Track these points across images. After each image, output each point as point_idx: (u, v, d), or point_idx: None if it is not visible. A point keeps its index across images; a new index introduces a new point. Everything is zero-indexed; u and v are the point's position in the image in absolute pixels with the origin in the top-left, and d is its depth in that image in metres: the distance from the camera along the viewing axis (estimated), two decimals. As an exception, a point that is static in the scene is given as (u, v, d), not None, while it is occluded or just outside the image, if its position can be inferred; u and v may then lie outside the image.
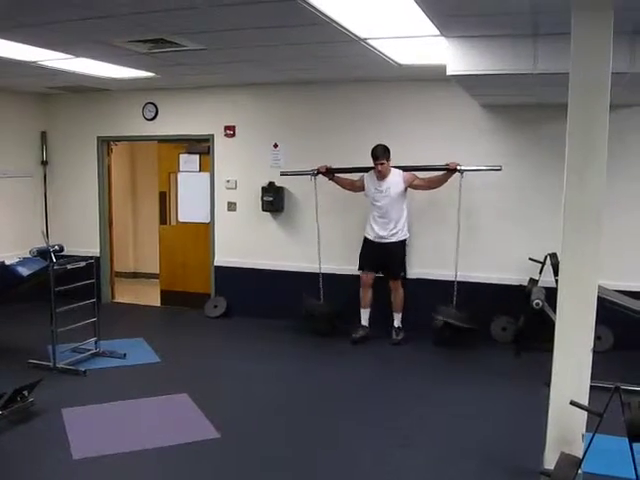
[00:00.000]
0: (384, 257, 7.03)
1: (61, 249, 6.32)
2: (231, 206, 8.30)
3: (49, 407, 5.12)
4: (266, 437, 4.71)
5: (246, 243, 8.19)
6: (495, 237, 7.24)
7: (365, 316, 7.24)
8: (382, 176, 6.86)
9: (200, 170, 8.53)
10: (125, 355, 6.43)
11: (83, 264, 6.33)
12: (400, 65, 6.15)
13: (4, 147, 8.55)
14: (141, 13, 4.41)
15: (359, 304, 7.28)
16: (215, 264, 8.46)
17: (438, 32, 4.59)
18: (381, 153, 6.77)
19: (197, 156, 8.52)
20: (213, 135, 8.27)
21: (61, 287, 6.08)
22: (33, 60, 6.12)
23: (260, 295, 8.08)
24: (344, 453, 4.47)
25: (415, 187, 6.97)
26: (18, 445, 4.54)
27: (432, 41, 4.95)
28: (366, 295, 7.22)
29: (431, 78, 6.81)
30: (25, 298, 7.12)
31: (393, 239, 6.97)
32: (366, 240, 7.13)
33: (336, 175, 7.25)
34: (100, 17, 4.48)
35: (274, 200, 7.87)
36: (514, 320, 6.93)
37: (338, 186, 7.33)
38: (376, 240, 7.01)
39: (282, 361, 6.55)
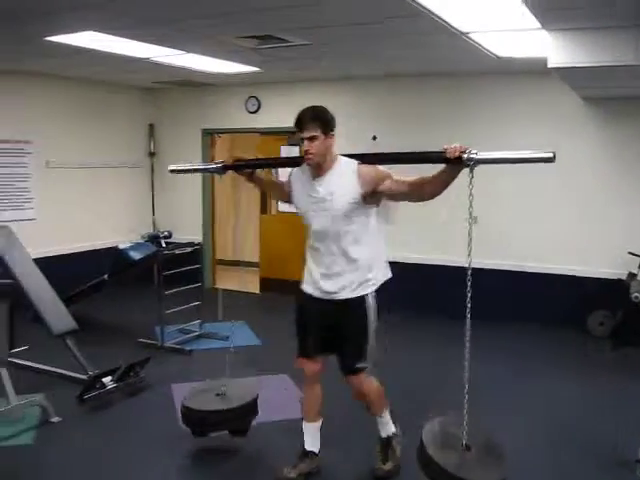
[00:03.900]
0: (333, 327, 3.77)
1: (170, 235, 6.67)
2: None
3: (158, 382, 5.49)
4: (358, 410, 4.89)
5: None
6: (592, 230, 7.15)
7: (311, 435, 4.03)
8: (318, 169, 3.67)
9: (300, 161, 8.71)
10: (227, 337, 6.72)
11: (190, 250, 6.67)
12: (499, 58, 6.17)
13: (116, 139, 9.04)
14: (252, 11, 4.64)
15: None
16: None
17: (539, 25, 4.62)
18: (309, 119, 3.61)
19: (297, 147, 8.74)
20: (313, 127, 8.46)
21: (169, 271, 6.44)
22: (146, 56, 6.48)
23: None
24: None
25: (388, 194, 3.61)
26: (130, 415, 4.93)
27: (532, 34, 4.97)
28: (310, 398, 4.06)
29: (529, 71, 6.80)
30: (135, 281, 7.54)
31: (346, 294, 3.69)
32: (304, 297, 3.90)
33: (255, 172, 4.17)
34: (213, 15, 4.75)
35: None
36: (611, 314, 6.86)
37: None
38: (319, 296, 3.78)
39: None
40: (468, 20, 4.79)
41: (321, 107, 3.76)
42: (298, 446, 3.98)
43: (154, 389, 5.39)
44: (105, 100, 8.92)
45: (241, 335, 6.91)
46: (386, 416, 4.04)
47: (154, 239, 6.57)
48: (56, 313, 5.48)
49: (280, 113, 8.69)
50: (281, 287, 8.89)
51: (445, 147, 3.19)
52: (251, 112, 8.89)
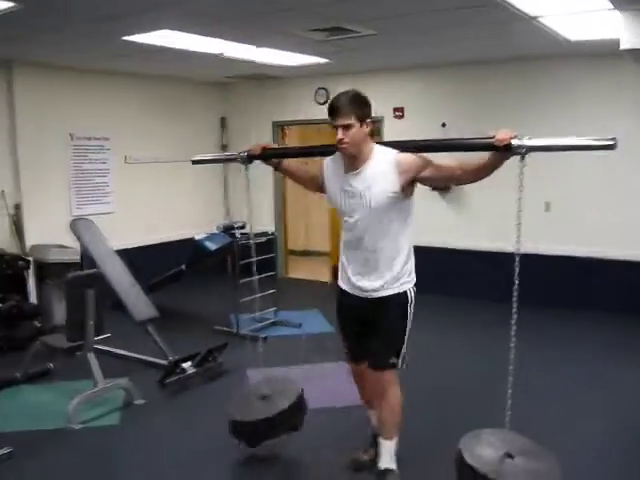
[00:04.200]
0: (369, 323, 3.61)
1: (244, 226, 6.85)
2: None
3: (234, 368, 5.65)
4: (437, 403, 4.96)
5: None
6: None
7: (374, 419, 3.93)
8: (353, 160, 3.42)
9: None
10: (300, 325, 6.87)
11: (264, 239, 6.84)
12: (569, 41, 6.10)
13: (190, 134, 9.29)
14: (320, 4, 4.76)
15: None
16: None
17: (612, 5, 4.57)
18: (345, 104, 3.33)
19: (367, 138, 8.81)
20: (383, 117, 8.54)
21: (244, 261, 6.61)
22: (218, 52, 6.66)
23: (425, 273, 8.25)
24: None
25: (428, 181, 3.41)
26: (208, 399, 5.12)
27: (604, 14, 4.92)
28: (363, 387, 3.94)
29: (600, 53, 6.69)
30: (211, 271, 7.78)
31: (382, 292, 3.52)
32: (341, 293, 3.76)
33: (283, 162, 3.98)
34: (283, 10, 4.88)
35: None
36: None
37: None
38: (354, 293, 3.61)
39: (444, 335, 6.71)
40: (538, 4, 4.77)
41: (357, 92, 3.43)
42: (367, 432, 4.02)
43: (231, 374, 5.58)
44: (178, 96, 9.20)
45: (314, 322, 7.05)
46: (392, 445, 3.67)
47: (229, 230, 6.77)
48: (138, 301, 5.72)
49: (349, 103, 8.80)
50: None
51: (493, 134, 2.95)
52: (320, 103, 8.99)
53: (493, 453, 3.01)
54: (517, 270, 2.91)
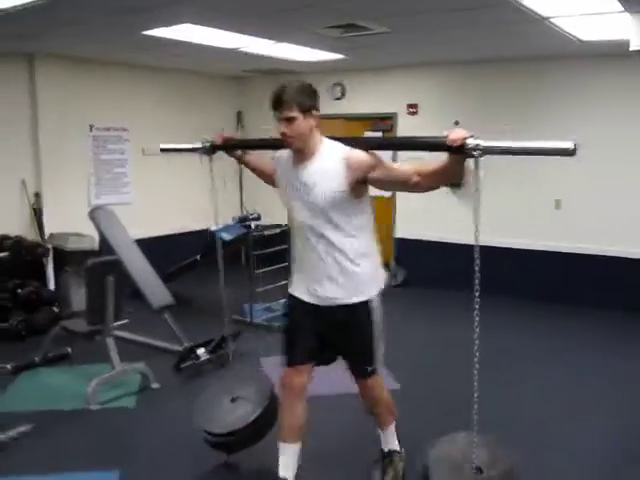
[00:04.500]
0: (330, 333, 3.33)
1: (259, 217, 6.98)
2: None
3: (248, 355, 5.80)
4: (442, 390, 5.08)
5: (426, 217, 8.48)
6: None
7: (287, 458, 3.41)
8: (300, 154, 3.19)
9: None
10: (312, 315, 6.99)
11: (278, 231, 6.97)
12: (581, 41, 6.18)
13: (206, 126, 9.26)
14: (339, 1, 4.89)
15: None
16: (396, 236, 8.87)
17: (622, 8, 4.66)
18: (288, 95, 3.09)
19: (380, 133, 8.92)
20: (396, 113, 8.64)
21: (258, 251, 6.76)
22: (236, 47, 6.78)
23: (437, 267, 8.38)
24: (527, 407, 4.75)
25: (378, 184, 3.15)
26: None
27: (615, 17, 5.00)
28: (290, 415, 3.42)
29: (611, 53, 6.76)
30: (226, 261, 7.89)
31: (345, 299, 3.24)
32: (293, 301, 3.43)
33: (247, 154, 3.95)
34: (305, 5, 5.00)
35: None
36: None
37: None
38: (312, 302, 3.30)
39: (457, 328, 6.81)
40: (550, 5, 4.87)
41: (300, 82, 3.21)
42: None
43: (244, 361, 5.71)
44: (195, 89, 9.35)
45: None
46: (391, 429, 3.75)
47: (244, 221, 6.90)
48: (155, 289, 5.88)
49: (364, 99, 8.90)
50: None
51: (446, 133, 2.68)
52: (336, 98, 9.11)
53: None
54: (478, 261, 2.68)
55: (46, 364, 5.60)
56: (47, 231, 7.39)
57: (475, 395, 2.77)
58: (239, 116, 10.04)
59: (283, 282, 6.92)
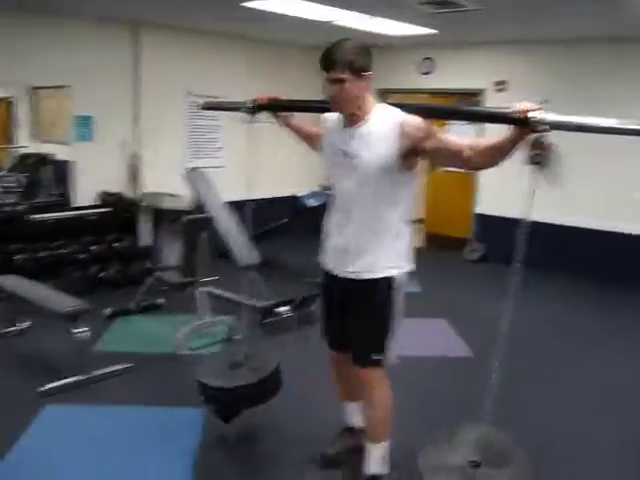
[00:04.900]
0: (346, 311, 3.21)
1: (343, 185, 7.22)
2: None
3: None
4: (516, 360, 5.22)
5: (508, 194, 8.51)
6: None
7: (350, 411, 3.67)
8: (352, 116, 2.99)
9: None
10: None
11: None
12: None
13: (293, 97, 9.64)
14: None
15: None
16: (476, 211, 8.99)
17: None
18: (337, 56, 2.87)
19: (468, 108, 8.97)
20: (484, 89, 8.69)
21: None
22: (330, 20, 6.98)
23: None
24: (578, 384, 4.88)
25: (430, 156, 2.94)
26: (301, 341, 5.53)
27: None
28: (340, 376, 3.56)
29: None
30: (310, 226, 8.17)
31: (363, 275, 3.08)
32: (325, 274, 3.34)
33: (293, 117, 3.79)
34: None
35: (540, 154, 8.06)
36: None
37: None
38: (336, 272, 3.22)
39: (539, 305, 6.90)
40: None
41: (352, 41, 2.94)
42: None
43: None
44: (284, 60, 9.54)
45: (404, 282, 7.39)
46: (381, 449, 3.25)
47: (329, 189, 7.14)
48: (243, 248, 6.19)
49: (453, 74, 8.97)
50: (446, 243, 9.30)
51: (513, 104, 2.54)
52: (424, 73, 9.20)
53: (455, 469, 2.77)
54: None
55: (140, 312, 6.03)
56: (143, 189, 7.83)
57: (493, 378, 2.83)
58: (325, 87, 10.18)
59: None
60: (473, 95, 8.87)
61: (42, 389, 4.37)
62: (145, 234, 7.53)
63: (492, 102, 8.51)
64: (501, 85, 8.52)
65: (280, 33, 8.45)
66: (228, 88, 8.67)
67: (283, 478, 3.62)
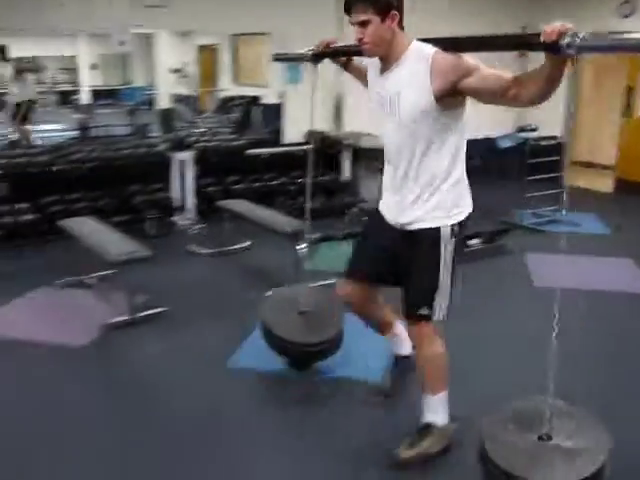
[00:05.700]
0: (397, 259, 3.06)
1: (536, 129, 7.51)
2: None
3: (514, 251, 6.55)
4: None
5: None
6: None
7: (393, 342, 3.63)
8: (384, 60, 2.83)
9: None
10: (578, 224, 7.41)
11: (554, 142, 7.44)
12: None
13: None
14: None
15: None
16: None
17: None
18: None
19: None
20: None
21: (532, 160, 7.30)
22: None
23: None
24: None
25: (473, 94, 2.67)
26: (488, 270, 6.00)
27: None
28: (371, 314, 3.50)
29: None
30: (502, 167, 8.51)
31: (418, 224, 2.92)
32: (376, 213, 3.21)
33: (353, 61, 3.50)
34: None
35: None
36: None
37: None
38: (389, 220, 3.07)
39: None
40: None
41: None
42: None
43: (511, 255, 6.50)
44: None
45: (590, 224, 7.58)
46: (437, 399, 3.10)
47: (522, 131, 7.48)
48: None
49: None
50: (638, 189, 9.23)
51: (546, 30, 2.20)
52: (624, 16, 8.96)
53: (523, 441, 2.64)
54: None
55: (343, 239, 6.72)
56: (345, 129, 8.50)
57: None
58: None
59: (552, 191, 7.42)
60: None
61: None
62: (346, 170, 8.25)
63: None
64: None
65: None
66: (427, 32, 9.03)
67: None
